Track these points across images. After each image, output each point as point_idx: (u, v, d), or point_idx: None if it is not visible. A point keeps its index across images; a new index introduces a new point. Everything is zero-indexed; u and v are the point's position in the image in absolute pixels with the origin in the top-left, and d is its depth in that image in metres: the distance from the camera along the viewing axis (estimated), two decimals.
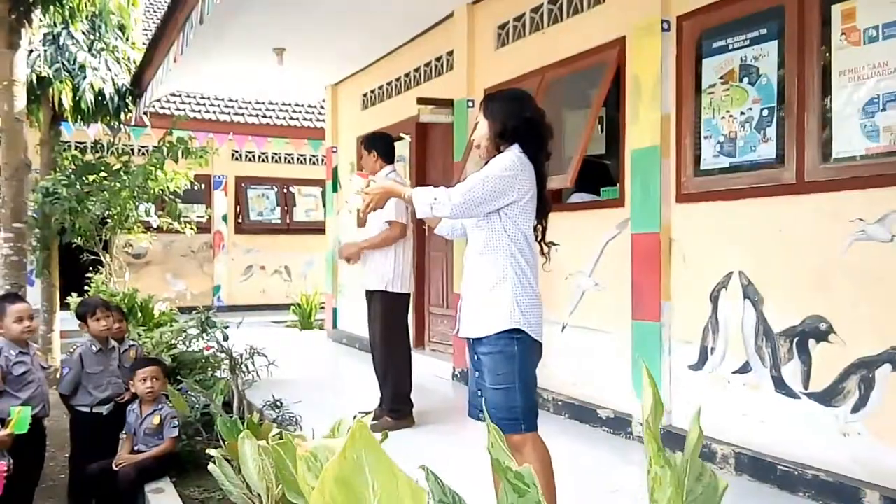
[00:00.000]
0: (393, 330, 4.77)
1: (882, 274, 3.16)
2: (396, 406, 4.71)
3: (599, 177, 5.15)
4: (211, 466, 3.14)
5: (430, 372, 6.56)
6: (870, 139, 3.21)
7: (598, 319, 4.77)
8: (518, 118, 2.75)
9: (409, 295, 4.84)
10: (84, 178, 7.80)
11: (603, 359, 4.72)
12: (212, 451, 3.57)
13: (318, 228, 12.28)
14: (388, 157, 4.91)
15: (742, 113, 3.81)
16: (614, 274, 4.64)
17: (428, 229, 7.32)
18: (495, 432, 1.38)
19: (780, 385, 3.62)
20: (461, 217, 2.73)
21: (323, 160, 11.75)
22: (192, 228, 8.94)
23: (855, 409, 3.26)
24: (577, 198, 5.05)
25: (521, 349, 2.64)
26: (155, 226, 8.99)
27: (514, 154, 2.70)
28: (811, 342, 3.47)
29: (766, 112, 3.69)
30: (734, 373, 3.87)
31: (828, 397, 3.38)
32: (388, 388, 4.74)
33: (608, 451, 4.26)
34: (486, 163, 2.78)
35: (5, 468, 2.90)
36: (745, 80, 3.79)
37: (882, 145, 3.16)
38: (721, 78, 3.92)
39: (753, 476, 3.65)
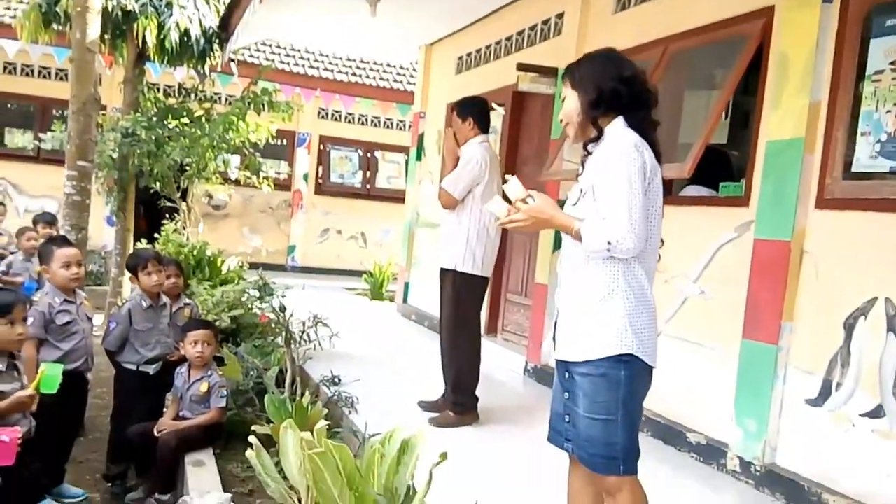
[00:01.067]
0: (461, 315, 4.32)
1: None
2: (460, 399, 4.28)
3: (720, 169, 4.52)
4: (249, 453, 2.79)
5: (501, 363, 6.10)
6: None
7: (700, 332, 4.18)
8: (615, 79, 2.26)
9: (483, 279, 4.36)
10: (165, 122, 7.63)
11: (701, 377, 4.14)
12: (256, 431, 3.28)
13: (398, 197, 11.94)
14: (484, 125, 4.43)
15: None
16: (726, 282, 4.03)
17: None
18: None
19: None
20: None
21: (409, 126, 11.35)
22: (269, 185, 8.71)
23: None
24: (690, 191, 4.43)
25: (628, 375, 2.17)
26: (234, 178, 8.81)
27: (627, 134, 2.22)
28: None
29: None
30: (862, 415, 3.25)
31: None
32: (451, 379, 4.31)
33: (696, 483, 3.72)
34: (585, 145, 2.34)
35: (18, 435, 2.59)
36: None
37: None
38: (892, 63, 3.24)
39: None
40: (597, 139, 2.30)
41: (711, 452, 3.95)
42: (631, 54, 4.92)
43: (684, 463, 4.00)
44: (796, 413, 3.55)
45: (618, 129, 2.25)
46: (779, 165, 3.68)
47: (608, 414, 2.16)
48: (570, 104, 2.35)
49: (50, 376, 2.85)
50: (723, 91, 4.06)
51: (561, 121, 2.42)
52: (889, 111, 3.23)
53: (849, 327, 3.34)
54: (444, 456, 2.14)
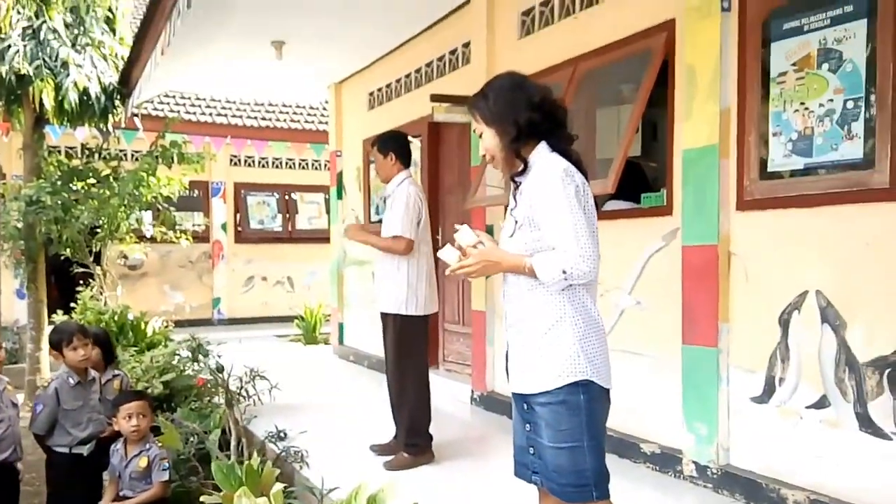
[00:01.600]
0: (407, 357, 4.23)
1: None
2: (413, 440, 4.18)
3: (637, 182, 4.62)
4: None
5: (447, 394, 6.02)
6: None
7: (640, 342, 4.23)
8: (528, 108, 2.22)
9: (425, 318, 4.29)
10: (71, 185, 7.29)
11: (647, 387, 4.18)
12: (205, 500, 3.10)
13: (321, 237, 11.78)
14: (406, 159, 4.38)
15: (821, 105, 3.27)
16: (660, 291, 4.10)
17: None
18: None
19: (867, 423, 3.09)
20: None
21: (326, 165, 11.24)
22: (187, 238, 8.42)
23: None
24: (612, 205, 4.50)
25: (587, 398, 2.15)
26: (149, 235, 8.48)
27: (554, 160, 2.21)
28: None
29: (850, 104, 3.15)
30: (808, 407, 3.33)
31: None
32: (404, 421, 4.21)
33: (655, 492, 3.73)
34: (512, 176, 2.31)
35: None
36: (825, 66, 3.25)
37: None
38: (794, 64, 3.38)
39: None
40: (523, 171, 2.27)
41: (666, 460, 3.98)
42: (540, 77, 5.06)
43: (641, 474, 4.01)
44: (744, 412, 3.62)
45: (542, 156, 2.24)
46: (697, 173, 3.78)
47: (574, 441, 2.13)
48: (488, 141, 2.31)
49: None
50: (635, 105, 4.15)
51: (483, 156, 2.38)
52: (797, 110, 3.36)
53: (784, 323, 3.43)
54: None
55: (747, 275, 3.59)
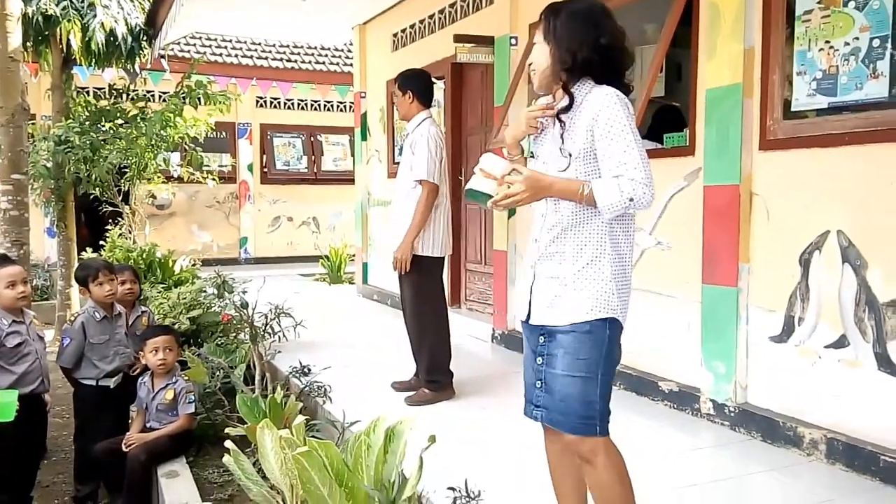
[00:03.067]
0: (426, 297, 4.29)
1: None
2: (434, 377, 4.27)
3: (661, 122, 4.56)
4: (226, 459, 2.74)
5: (468, 332, 6.12)
6: None
7: (661, 282, 4.24)
8: (592, 47, 2.10)
9: (443, 259, 4.34)
10: (99, 126, 7.37)
11: (666, 326, 4.21)
12: (230, 432, 3.21)
13: (346, 178, 11.83)
14: (427, 98, 4.34)
15: (846, 44, 3.19)
16: (681, 231, 4.09)
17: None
18: None
19: (885, 363, 3.10)
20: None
21: (351, 107, 11.19)
22: (214, 179, 8.51)
23: None
24: None
25: (611, 335, 2.13)
26: (176, 175, 8.59)
27: (612, 90, 2.10)
28: None
29: (876, 42, 3.07)
30: (827, 347, 3.34)
31: None
32: (424, 359, 4.29)
33: (673, 430, 3.80)
34: (558, 113, 2.15)
35: None
36: (851, 4, 3.16)
37: None
38: (819, 3, 3.29)
39: (849, 466, 3.16)
40: (569, 107, 2.14)
41: (685, 399, 4.03)
42: None
43: (659, 412, 4.08)
44: (763, 351, 3.64)
45: (593, 90, 2.12)
46: (720, 112, 3.72)
47: (588, 372, 2.10)
48: (539, 56, 2.19)
49: (5, 404, 2.75)
50: (658, 45, 4.07)
51: (529, 65, 2.25)
52: (822, 49, 3.28)
53: (804, 263, 3.42)
54: (432, 439, 2.11)
55: (769, 215, 3.57)
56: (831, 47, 3.25)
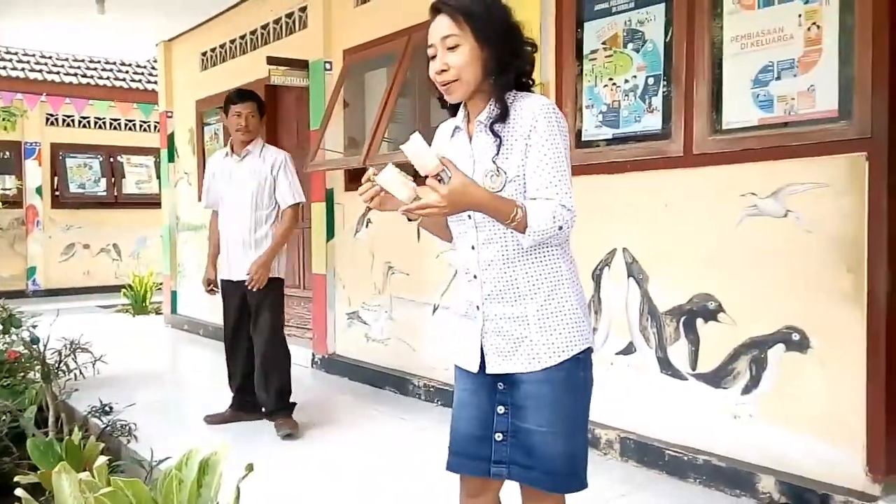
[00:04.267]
0: (280, 321, 4.31)
1: (775, 251, 3.04)
2: (286, 401, 4.21)
3: None
4: None
5: None
6: (763, 109, 3.06)
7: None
8: (523, 52, 1.87)
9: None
10: None
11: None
12: (20, 480, 2.92)
13: (151, 202, 11.19)
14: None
15: (626, 81, 3.58)
16: None
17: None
18: None
19: (666, 366, 3.47)
20: None
21: (156, 126, 10.63)
22: None
23: (746, 391, 3.15)
24: None
25: (585, 374, 1.87)
26: None
27: (546, 100, 1.85)
28: (699, 321, 3.32)
29: (651, 80, 3.48)
30: (618, 354, 3.69)
31: (717, 378, 3.26)
32: (276, 383, 4.16)
33: None
34: (491, 124, 1.83)
35: None
36: (630, 45, 3.56)
37: (776, 116, 3.02)
38: (604, 43, 3.67)
39: (641, 462, 3.50)
40: (502, 118, 1.82)
41: None
42: (377, 45, 5.12)
43: None
44: None
45: (520, 98, 1.84)
46: None
47: (574, 422, 1.85)
48: (463, 59, 1.79)
49: None
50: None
51: (443, 71, 1.81)
52: (605, 85, 3.65)
53: (597, 278, 3.76)
54: (250, 467, 2.04)
55: None
56: (614, 84, 3.62)
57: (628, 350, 3.64)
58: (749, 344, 3.13)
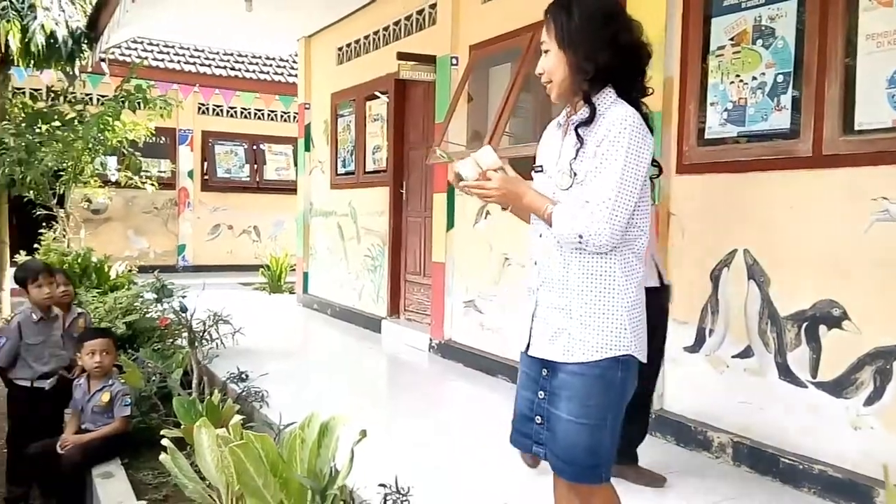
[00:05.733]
0: None
1: None
2: None
3: None
4: (163, 457, 2.82)
5: (405, 342, 6.27)
6: None
7: None
8: (612, 48, 1.88)
9: None
10: (35, 128, 7.27)
11: None
12: (166, 435, 3.27)
13: (288, 188, 11.85)
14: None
15: (754, 78, 3.49)
16: None
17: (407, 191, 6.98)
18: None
19: (786, 372, 3.38)
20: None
21: (295, 117, 11.25)
22: (153, 184, 8.47)
23: (869, 402, 3.02)
24: None
25: (624, 377, 1.91)
26: (114, 180, 8.52)
27: (626, 110, 1.86)
28: (822, 328, 3.21)
29: (780, 78, 3.37)
30: (734, 357, 3.62)
31: (839, 388, 3.14)
32: None
33: None
34: (577, 126, 1.90)
35: None
36: (759, 42, 3.47)
37: None
38: (731, 39, 3.59)
39: (753, 468, 3.43)
40: (589, 121, 1.89)
41: None
42: (501, 40, 5.21)
43: None
44: (678, 360, 3.89)
45: (613, 105, 1.89)
46: None
47: (598, 419, 1.89)
48: (552, 64, 1.93)
49: None
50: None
51: (539, 74, 1.99)
52: (732, 82, 3.58)
53: (715, 278, 3.69)
54: (363, 433, 2.23)
55: (683, 233, 3.84)
56: (741, 81, 3.55)
57: (746, 353, 3.56)
58: (874, 354, 3.00)
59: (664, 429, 3.88)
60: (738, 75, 3.55)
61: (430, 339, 6.06)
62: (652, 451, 3.73)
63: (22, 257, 6.58)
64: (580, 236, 1.82)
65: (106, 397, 3.76)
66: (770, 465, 3.35)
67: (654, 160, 2.89)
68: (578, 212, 1.83)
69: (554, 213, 1.86)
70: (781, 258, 3.40)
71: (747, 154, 3.51)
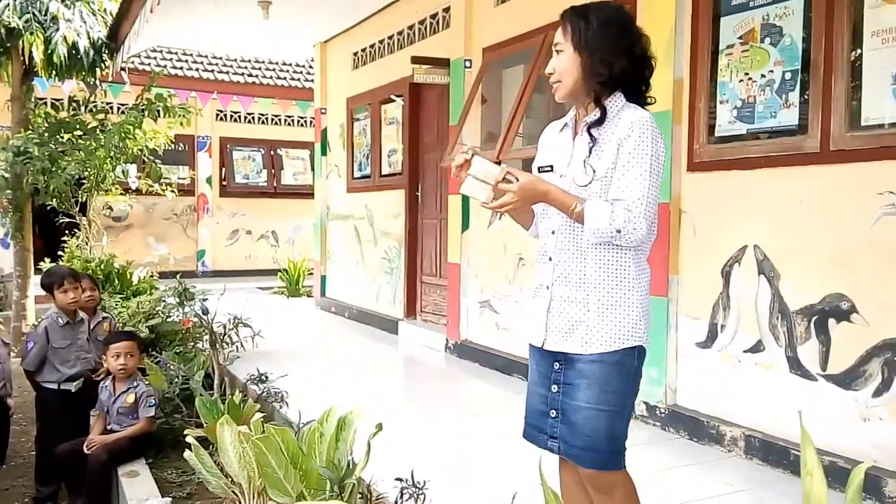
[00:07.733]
0: None
1: None
2: None
3: None
4: (187, 454, 2.92)
5: (422, 343, 6.34)
6: None
7: None
8: (628, 56, 1.98)
9: None
10: (58, 137, 7.44)
11: None
12: (189, 433, 3.36)
13: (306, 192, 11.99)
14: None
15: (762, 76, 3.53)
16: None
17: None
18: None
19: (796, 366, 3.41)
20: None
21: (312, 122, 11.39)
22: (172, 191, 8.62)
23: (877, 394, 3.05)
24: None
25: (638, 365, 2.02)
26: (134, 188, 8.68)
27: (648, 116, 1.98)
28: (831, 322, 3.25)
29: (788, 75, 3.42)
30: (745, 352, 3.65)
31: (848, 380, 3.17)
32: None
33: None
34: (588, 127, 2.00)
35: None
36: (767, 40, 3.51)
37: None
38: (740, 38, 3.63)
39: (765, 461, 3.47)
40: (600, 122, 1.99)
41: None
42: (515, 42, 5.28)
43: None
44: (690, 356, 3.94)
45: (624, 107, 2.00)
46: None
47: (618, 405, 1.97)
48: (565, 65, 2.00)
49: None
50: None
51: (549, 74, 2.07)
52: (741, 80, 3.62)
53: (726, 274, 3.73)
54: (379, 427, 2.31)
55: (695, 231, 3.88)
56: (750, 78, 3.59)
57: (757, 348, 3.60)
58: (882, 346, 3.04)
59: (677, 424, 3.93)
60: (746, 73, 3.59)
61: (447, 340, 6.13)
62: (665, 446, 3.78)
63: (46, 265, 6.74)
64: (618, 231, 1.88)
65: (131, 398, 3.85)
66: (781, 458, 3.39)
67: None
68: (612, 208, 1.90)
69: (586, 210, 1.91)
70: (791, 253, 3.44)
71: (756, 151, 3.55)
